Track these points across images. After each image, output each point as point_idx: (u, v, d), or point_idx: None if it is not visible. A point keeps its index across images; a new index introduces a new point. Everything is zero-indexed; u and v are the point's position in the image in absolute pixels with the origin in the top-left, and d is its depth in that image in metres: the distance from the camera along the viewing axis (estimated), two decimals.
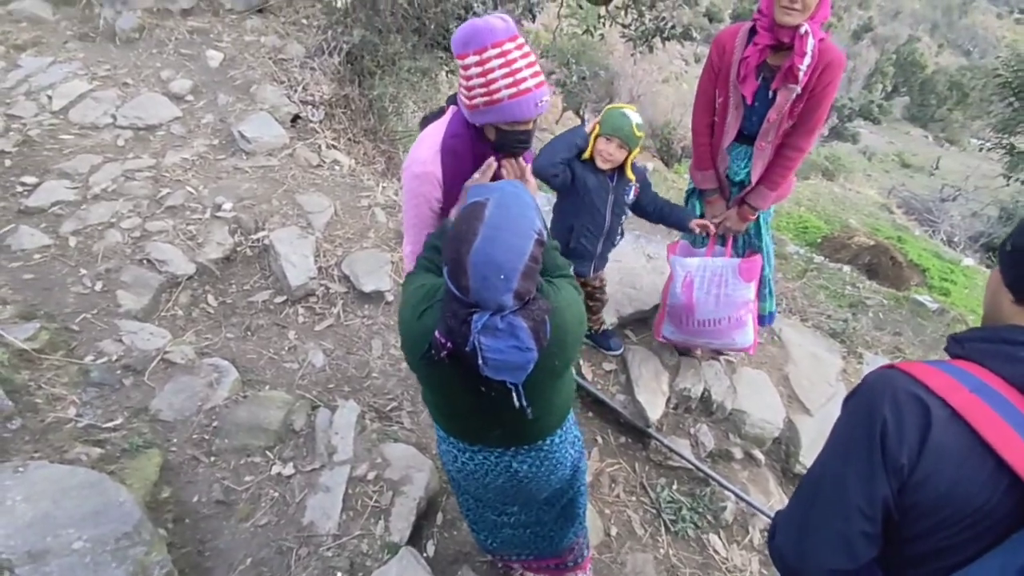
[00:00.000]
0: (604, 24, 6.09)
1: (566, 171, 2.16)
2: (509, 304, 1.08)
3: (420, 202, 1.60)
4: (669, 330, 2.61)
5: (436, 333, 1.13)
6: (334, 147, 3.98)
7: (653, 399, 2.58)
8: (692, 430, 2.66)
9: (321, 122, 4.07)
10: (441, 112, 1.62)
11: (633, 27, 5.42)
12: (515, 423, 1.35)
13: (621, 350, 2.81)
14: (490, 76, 1.37)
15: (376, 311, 2.97)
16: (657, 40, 5.62)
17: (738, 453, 2.67)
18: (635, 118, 2.11)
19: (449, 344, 1.11)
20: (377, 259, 3.07)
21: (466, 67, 1.38)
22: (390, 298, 2.99)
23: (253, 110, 3.80)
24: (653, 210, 2.36)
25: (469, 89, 1.40)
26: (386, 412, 2.56)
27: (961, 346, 0.87)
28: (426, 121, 1.65)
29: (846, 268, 7.09)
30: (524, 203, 1.13)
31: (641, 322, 2.99)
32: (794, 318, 3.54)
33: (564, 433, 1.52)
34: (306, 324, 2.86)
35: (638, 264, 3.22)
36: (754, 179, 2.23)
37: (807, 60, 1.88)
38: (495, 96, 1.38)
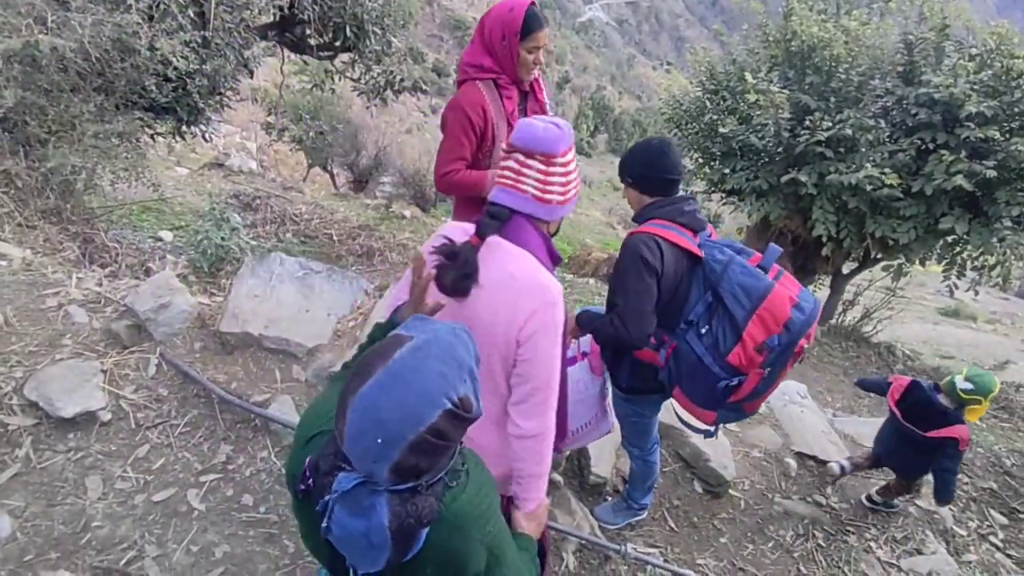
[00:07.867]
0: (333, 79, 6.00)
1: None
2: (382, 478, 0.84)
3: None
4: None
5: (307, 460, 0.93)
6: None
7: None
8: None
9: None
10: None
11: (363, 81, 5.44)
12: None
13: None
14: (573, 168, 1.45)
15: (88, 439, 2.29)
16: (389, 93, 5.73)
17: None
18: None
19: (311, 482, 0.91)
20: (80, 371, 2.39)
21: (566, 163, 1.39)
22: (106, 417, 2.34)
23: None
24: None
25: (566, 184, 1.40)
26: (122, 569, 1.96)
27: (659, 213, 1.90)
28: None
29: (591, 280, 8.10)
30: (451, 357, 0.88)
31: None
32: None
33: None
34: None
35: None
36: None
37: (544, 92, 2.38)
38: (578, 187, 1.45)
